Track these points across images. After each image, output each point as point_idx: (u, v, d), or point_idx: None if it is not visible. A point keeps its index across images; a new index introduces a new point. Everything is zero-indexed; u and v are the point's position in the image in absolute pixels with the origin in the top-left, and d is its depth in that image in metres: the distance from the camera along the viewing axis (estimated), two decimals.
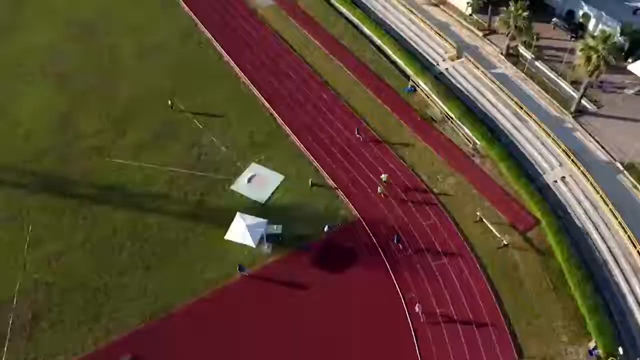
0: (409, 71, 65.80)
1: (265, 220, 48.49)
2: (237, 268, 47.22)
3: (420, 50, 68.82)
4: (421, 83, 63.91)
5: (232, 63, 67.99)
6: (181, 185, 54.27)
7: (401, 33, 71.57)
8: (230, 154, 56.89)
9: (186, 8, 77.56)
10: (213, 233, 49.96)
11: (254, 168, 55.42)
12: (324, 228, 49.75)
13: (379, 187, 53.18)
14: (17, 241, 50.07)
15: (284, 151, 57.43)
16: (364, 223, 51.08)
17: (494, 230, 50.17)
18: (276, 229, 49.53)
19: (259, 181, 54.21)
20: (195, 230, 50.55)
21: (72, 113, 62.15)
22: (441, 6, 75.41)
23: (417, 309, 44.73)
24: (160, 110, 61.65)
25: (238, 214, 48.54)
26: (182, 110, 61.47)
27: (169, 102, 61.62)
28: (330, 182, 54.37)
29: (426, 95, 63.09)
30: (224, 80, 66.12)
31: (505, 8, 63.45)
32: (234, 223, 48.07)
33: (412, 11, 73.58)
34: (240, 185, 53.95)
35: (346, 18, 74.64)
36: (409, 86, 64.00)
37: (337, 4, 76.66)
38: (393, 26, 72.70)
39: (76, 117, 61.60)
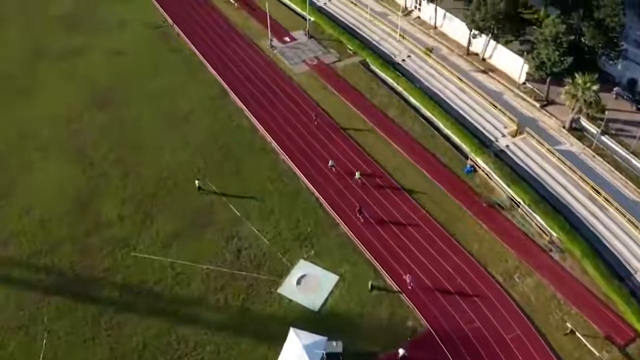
0: (466, 148, 59.54)
1: (324, 338, 40.99)
2: None
3: (476, 124, 62.63)
4: (481, 162, 57.52)
5: (268, 137, 61.67)
6: (220, 287, 47.00)
7: (451, 103, 65.55)
8: (274, 248, 49.83)
9: (214, 73, 71.85)
10: (261, 351, 42.50)
11: (302, 266, 48.24)
12: (397, 353, 41.93)
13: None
14: (29, 358, 42.42)
15: (335, 244, 50.35)
16: (436, 336, 43.72)
17: (589, 346, 42.86)
18: (336, 346, 41.88)
19: (309, 283, 46.99)
20: (240, 346, 42.94)
21: (91, 195, 55.20)
22: (490, 73, 69.86)
23: None
24: (192, 193, 54.90)
25: (291, 330, 41.11)
26: (215, 192, 54.85)
27: (196, 183, 54.98)
28: (392, 284, 47.16)
29: (488, 176, 56.62)
30: (260, 156, 59.66)
31: (570, 80, 57.88)
32: (287, 342, 40.62)
33: (460, 79, 67.75)
34: (288, 288, 46.68)
35: (389, 86, 68.79)
36: (469, 166, 57.49)
37: (379, 71, 70.73)
38: (442, 95, 66.73)
39: (96, 200, 54.63)
